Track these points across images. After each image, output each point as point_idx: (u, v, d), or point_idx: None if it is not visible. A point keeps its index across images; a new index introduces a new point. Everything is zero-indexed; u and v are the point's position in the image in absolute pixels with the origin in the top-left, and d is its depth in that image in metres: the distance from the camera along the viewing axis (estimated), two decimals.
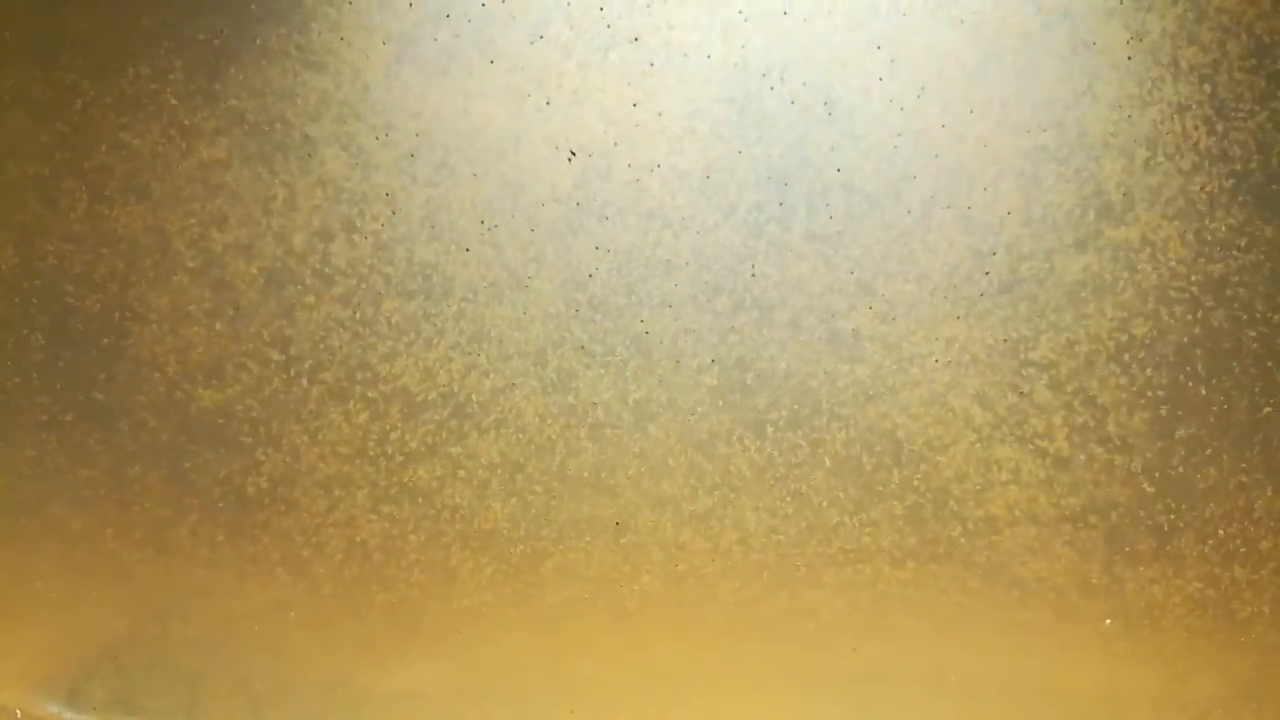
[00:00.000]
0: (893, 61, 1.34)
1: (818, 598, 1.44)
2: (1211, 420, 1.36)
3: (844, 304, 1.39)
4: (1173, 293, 1.35)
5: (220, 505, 1.48)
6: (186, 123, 1.40)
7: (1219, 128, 1.31)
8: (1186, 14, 1.32)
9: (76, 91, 1.41)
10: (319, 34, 1.38)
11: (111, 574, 1.51)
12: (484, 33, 1.37)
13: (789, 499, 1.42)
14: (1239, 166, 1.32)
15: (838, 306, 1.39)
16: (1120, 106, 1.32)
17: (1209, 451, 1.36)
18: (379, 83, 1.38)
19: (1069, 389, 1.37)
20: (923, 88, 1.34)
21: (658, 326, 1.42)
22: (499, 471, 1.44)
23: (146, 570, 1.50)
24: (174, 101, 1.40)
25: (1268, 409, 1.35)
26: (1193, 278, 1.34)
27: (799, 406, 1.41)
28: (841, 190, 1.36)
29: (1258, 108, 1.31)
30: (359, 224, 1.41)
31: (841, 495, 1.42)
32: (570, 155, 1.35)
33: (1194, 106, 1.31)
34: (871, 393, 1.39)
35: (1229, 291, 1.34)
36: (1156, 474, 1.37)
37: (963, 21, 1.33)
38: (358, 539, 1.46)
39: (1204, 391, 1.36)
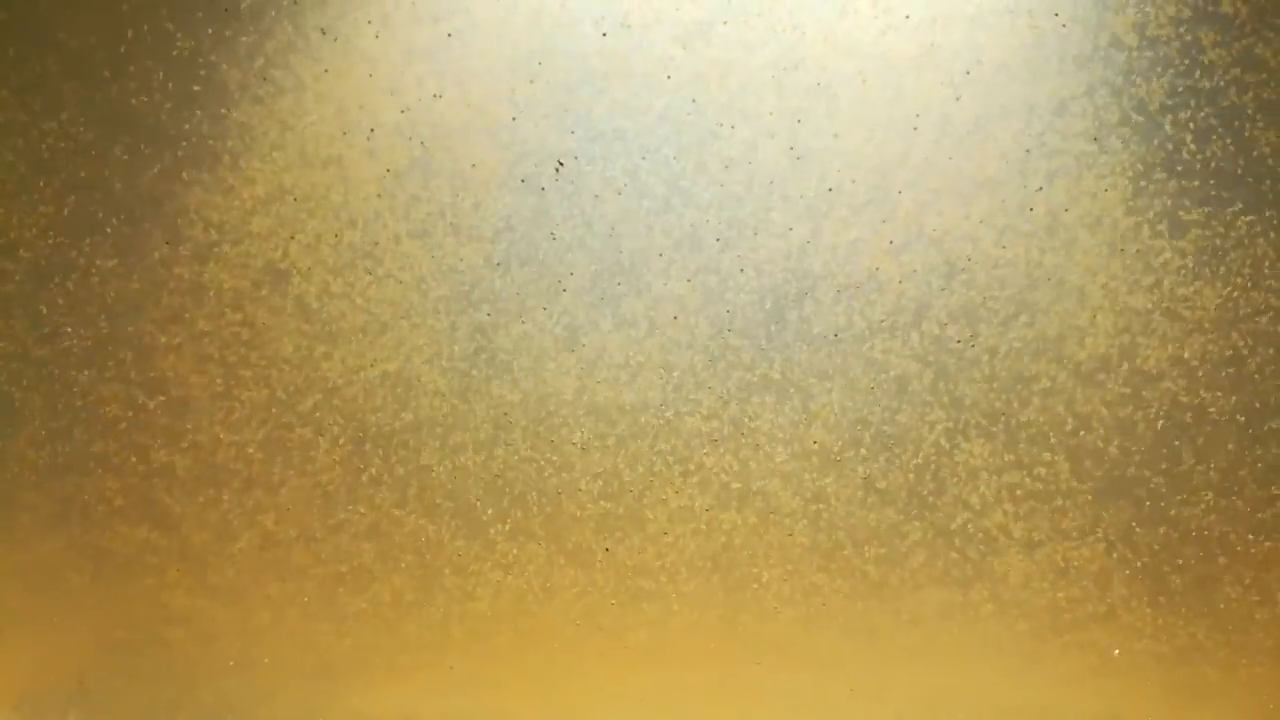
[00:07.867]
0: None
1: (822, 622, 1.43)
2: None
3: None
4: None
5: (196, 528, 1.47)
6: None
7: None
8: None
9: None
10: None
11: (85, 599, 1.50)
12: None
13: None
14: None
15: None
16: None
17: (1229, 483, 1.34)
18: None
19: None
20: None
21: None
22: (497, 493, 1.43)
23: (121, 595, 1.49)
24: None
25: None
26: None
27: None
28: None
29: None
30: None
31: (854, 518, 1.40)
32: (558, 165, 1.31)
33: None
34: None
35: None
36: (1178, 509, 1.35)
37: None
38: (346, 562, 1.46)
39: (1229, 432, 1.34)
